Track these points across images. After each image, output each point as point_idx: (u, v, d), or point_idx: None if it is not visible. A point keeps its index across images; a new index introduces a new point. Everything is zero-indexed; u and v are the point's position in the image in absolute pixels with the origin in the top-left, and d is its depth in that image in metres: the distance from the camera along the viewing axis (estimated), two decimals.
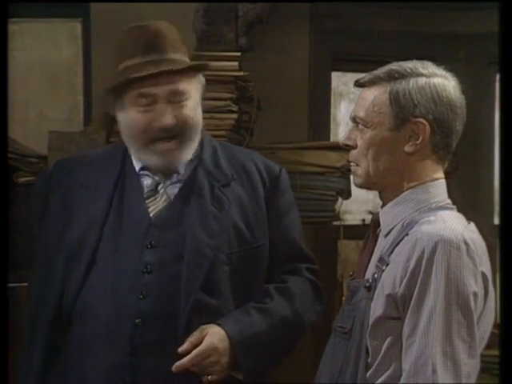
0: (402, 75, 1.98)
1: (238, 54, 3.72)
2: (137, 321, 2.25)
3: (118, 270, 2.29)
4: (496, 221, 4.97)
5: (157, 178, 2.37)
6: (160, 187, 2.37)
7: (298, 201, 3.73)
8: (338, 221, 3.92)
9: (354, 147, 2.03)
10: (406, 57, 2.05)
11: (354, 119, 2.03)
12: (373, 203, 4.73)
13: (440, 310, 1.85)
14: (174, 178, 2.38)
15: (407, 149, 1.98)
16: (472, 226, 1.97)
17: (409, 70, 1.98)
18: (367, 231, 2.12)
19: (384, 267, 1.95)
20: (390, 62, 2.04)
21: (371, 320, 1.93)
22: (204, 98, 3.51)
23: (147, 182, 2.38)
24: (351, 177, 2.09)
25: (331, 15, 4.87)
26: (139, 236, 2.32)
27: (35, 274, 2.40)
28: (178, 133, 2.32)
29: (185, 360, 2.22)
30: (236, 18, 4.01)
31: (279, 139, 4.01)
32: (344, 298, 2.11)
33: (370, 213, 3.85)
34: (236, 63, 3.62)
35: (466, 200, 4.59)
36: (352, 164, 2.07)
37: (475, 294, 1.88)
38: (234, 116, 3.56)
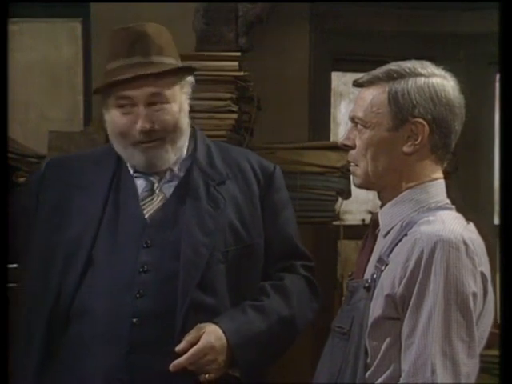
0: (401, 75, 1.98)
1: (238, 54, 3.72)
2: (134, 320, 2.25)
3: (115, 270, 2.30)
4: (496, 221, 4.97)
5: (151, 178, 2.38)
6: (156, 187, 2.38)
7: (298, 201, 3.75)
8: (338, 221, 3.92)
9: (353, 147, 2.03)
10: (406, 57, 2.05)
11: (353, 119, 2.03)
12: (373, 203, 4.73)
13: (439, 310, 1.85)
14: (168, 177, 2.39)
15: (406, 149, 1.98)
16: (471, 226, 1.97)
17: (407, 70, 1.98)
18: (366, 231, 2.12)
19: (383, 267, 1.95)
20: (389, 62, 2.03)
21: (370, 320, 1.93)
22: (204, 98, 3.53)
23: (142, 182, 2.38)
24: (351, 177, 2.09)
25: (331, 15, 4.87)
26: (135, 236, 2.32)
27: (30, 274, 2.39)
28: (159, 136, 2.32)
29: (182, 359, 2.22)
30: (236, 18, 4.01)
31: (279, 139, 4.01)
32: (344, 299, 2.11)
33: (370, 213, 3.85)
34: (236, 63, 3.62)
35: (465, 200, 4.59)
36: (351, 164, 2.07)
37: (474, 295, 1.88)
38: (234, 116, 3.56)
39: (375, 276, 1.96)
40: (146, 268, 2.29)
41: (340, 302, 2.12)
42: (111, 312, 2.26)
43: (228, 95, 3.55)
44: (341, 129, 5.04)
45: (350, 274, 2.13)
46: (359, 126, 2.01)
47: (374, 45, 4.84)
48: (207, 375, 2.26)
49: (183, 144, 2.40)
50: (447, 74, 2.01)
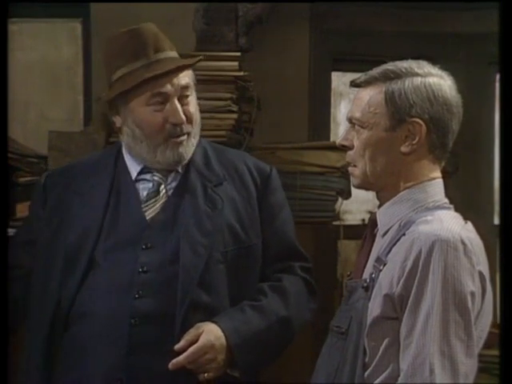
0: (398, 75, 1.98)
1: (238, 54, 3.72)
2: (133, 321, 2.25)
3: (114, 271, 2.30)
4: (496, 221, 4.98)
5: (156, 178, 2.38)
6: (162, 188, 2.38)
7: (298, 201, 3.75)
8: (338, 221, 3.92)
9: (351, 148, 2.03)
10: (406, 57, 2.04)
11: (351, 120, 2.03)
12: (373, 203, 4.73)
13: (437, 309, 1.85)
14: (173, 177, 2.40)
15: (404, 149, 1.98)
16: (469, 225, 1.97)
17: (404, 70, 1.98)
18: (365, 231, 2.12)
19: (381, 267, 1.95)
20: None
21: (369, 320, 1.93)
22: (204, 98, 3.52)
23: (147, 183, 2.39)
24: (351, 177, 2.09)
25: (331, 15, 4.87)
26: (135, 237, 2.33)
27: (34, 276, 2.40)
28: (187, 130, 2.36)
29: (181, 357, 2.22)
30: (236, 18, 4.01)
31: (279, 139, 4.01)
32: (342, 298, 2.11)
33: (370, 213, 3.85)
34: (236, 63, 3.62)
35: (465, 200, 4.59)
36: (350, 165, 2.07)
37: (472, 294, 1.88)
38: (234, 116, 3.55)
39: (373, 276, 1.96)
40: (145, 269, 2.30)
41: (340, 301, 2.11)
42: (111, 313, 2.26)
43: (228, 95, 3.55)
44: (341, 129, 5.05)
45: (348, 273, 2.13)
46: (357, 126, 2.01)
47: (374, 45, 4.84)
48: (206, 374, 2.26)
49: (197, 139, 2.42)
50: (444, 74, 2.01)
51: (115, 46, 2.37)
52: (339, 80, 5.11)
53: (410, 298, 1.88)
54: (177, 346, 2.23)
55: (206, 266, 2.30)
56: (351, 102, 2.07)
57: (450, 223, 1.91)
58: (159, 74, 2.30)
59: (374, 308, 1.93)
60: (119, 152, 2.45)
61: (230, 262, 2.35)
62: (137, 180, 2.41)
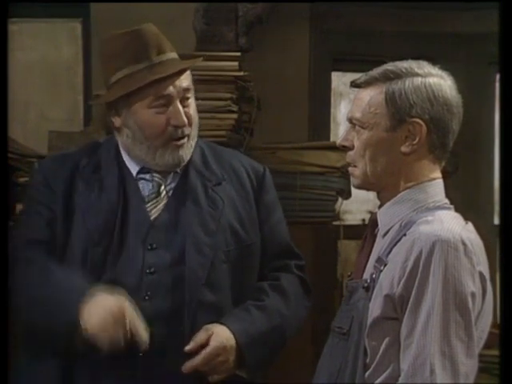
0: (398, 75, 1.97)
1: (238, 54, 3.72)
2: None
3: (122, 273, 2.30)
4: (496, 221, 4.98)
5: (156, 178, 2.38)
6: (162, 189, 2.38)
7: (298, 201, 3.75)
8: (338, 221, 3.93)
9: (351, 148, 2.03)
10: (406, 57, 2.04)
11: (351, 120, 2.03)
12: (373, 203, 4.73)
13: (438, 310, 1.85)
14: (172, 178, 2.40)
15: (404, 149, 1.98)
16: (470, 225, 1.97)
17: (404, 70, 1.98)
18: (365, 231, 2.12)
19: (382, 267, 1.95)
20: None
21: (369, 320, 1.93)
22: (204, 98, 3.53)
23: (147, 184, 2.39)
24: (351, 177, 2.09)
25: (331, 15, 4.88)
26: (140, 237, 2.33)
27: None
28: (187, 132, 2.36)
29: (196, 360, 2.23)
30: (236, 18, 4.02)
31: (279, 139, 4.01)
32: (343, 299, 2.11)
33: (370, 213, 3.85)
34: (236, 63, 3.62)
35: (466, 200, 4.59)
36: (350, 165, 2.07)
37: (473, 294, 1.87)
38: (234, 116, 3.56)
39: (374, 276, 1.96)
40: (152, 270, 2.30)
41: (340, 302, 2.11)
42: None
43: (228, 95, 3.55)
44: (341, 129, 5.05)
45: (349, 274, 2.13)
46: (357, 126, 2.01)
47: (374, 45, 4.85)
48: (216, 376, 2.26)
49: (195, 140, 2.43)
50: (444, 74, 2.01)
51: (115, 46, 2.35)
52: (339, 80, 5.12)
53: (411, 299, 1.87)
54: (187, 348, 2.23)
55: (211, 265, 2.31)
56: (351, 102, 2.07)
57: (450, 223, 1.91)
58: (162, 77, 2.29)
59: (375, 308, 1.93)
60: (117, 149, 2.44)
61: (232, 261, 2.36)
62: (139, 179, 2.40)
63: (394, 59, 2.03)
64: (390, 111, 1.96)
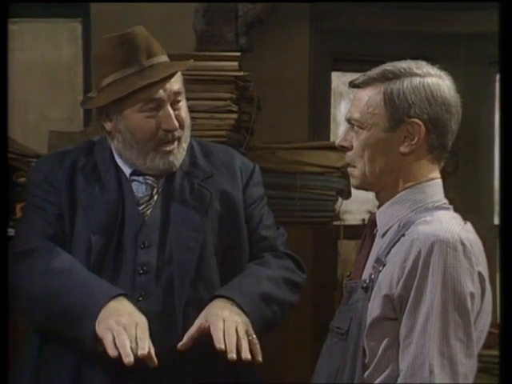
0: (396, 75, 1.97)
1: (238, 54, 3.72)
2: None
3: (117, 273, 2.31)
4: (496, 221, 4.98)
5: (149, 181, 2.39)
6: (155, 191, 2.39)
7: (298, 201, 3.75)
8: (338, 221, 3.92)
9: (350, 149, 2.03)
10: (406, 57, 2.04)
11: (349, 121, 2.03)
12: (373, 203, 4.73)
13: (437, 310, 1.85)
14: (163, 180, 2.41)
15: (403, 149, 1.98)
16: (468, 225, 1.97)
17: (403, 70, 1.97)
18: (364, 232, 2.12)
19: (381, 268, 1.95)
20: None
21: (368, 321, 1.93)
22: (204, 98, 3.52)
23: (140, 185, 2.39)
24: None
25: (331, 15, 4.88)
26: (134, 237, 2.34)
27: None
28: (178, 135, 2.36)
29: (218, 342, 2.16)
30: (236, 18, 4.02)
31: (279, 139, 4.01)
32: (342, 299, 2.11)
33: (370, 213, 3.86)
34: (236, 63, 3.62)
35: (466, 200, 4.58)
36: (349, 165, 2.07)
37: (472, 295, 1.87)
38: (234, 116, 3.56)
39: (373, 276, 1.96)
40: (145, 269, 2.31)
41: (340, 302, 2.11)
42: None
43: (228, 95, 3.55)
44: (341, 129, 5.04)
45: (348, 274, 2.13)
46: (356, 127, 2.01)
47: (374, 45, 4.84)
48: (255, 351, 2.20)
49: (187, 143, 2.43)
50: (443, 74, 2.01)
51: (105, 50, 2.35)
52: (339, 80, 5.11)
53: (410, 299, 1.88)
54: (180, 344, 2.22)
55: (201, 258, 2.32)
56: (351, 102, 2.07)
57: (449, 224, 1.91)
58: (153, 82, 2.29)
59: (374, 309, 1.93)
60: (111, 151, 2.43)
61: (222, 253, 2.37)
62: (132, 180, 2.41)
63: (393, 59, 2.03)
64: (389, 111, 1.96)
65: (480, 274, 1.90)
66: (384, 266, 1.94)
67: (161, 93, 2.31)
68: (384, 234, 2.01)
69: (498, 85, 4.69)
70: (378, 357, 1.92)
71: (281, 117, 4.61)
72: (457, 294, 1.86)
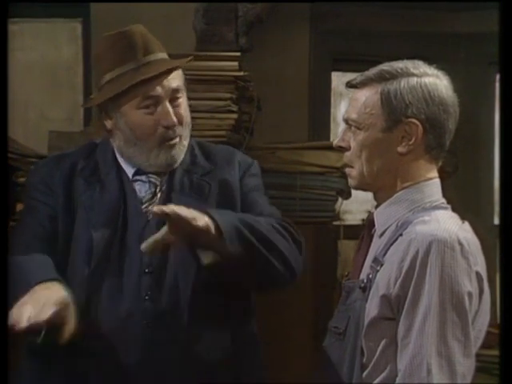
0: (393, 75, 1.97)
1: (238, 54, 3.73)
2: (145, 322, 2.26)
3: (123, 273, 2.31)
4: (496, 221, 4.98)
5: (152, 179, 2.39)
6: (158, 189, 2.39)
7: (298, 201, 3.75)
8: (338, 221, 3.93)
9: (348, 149, 2.03)
10: (406, 57, 2.04)
11: (347, 121, 2.03)
12: (372, 203, 4.72)
13: (434, 310, 1.85)
14: (165, 179, 2.41)
15: (400, 149, 1.98)
16: (466, 225, 1.97)
17: (400, 70, 1.97)
18: (362, 232, 2.12)
19: (378, 268, 1.95)
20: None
21: (366, 321, 1.93)
22: (204, 98, 3.53)
23: (143, 186, 2.39)
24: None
25: (331, 15, 4.88)
26: (138, 237, 2.33)
27: None
28: (179, 133, 2.36)
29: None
30: (236, 18, 4.02)
31: (279, 139, 4.02)
32: (340, 299, 2.11)
33: (370, 213, 3.86)
34: (236, 63, 3.63)
35: (465, 200, 4.58)
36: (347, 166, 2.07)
37: (470, 294, 1.87)
38: (234, 116, 3.56)
39: (371, 276, 1.96)
40: (150, 269, 2.31)
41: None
42: (123, 315, 2.27)
43: (228, 95, 3.56)
44: (341, 129, 5.05)
45: (346, 274, 2.13)
46: (353, 127, 2.00)
47: (374, 45, 4.85)
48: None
49: (188, 141, 2.43)
50: (440, 73, 2.00)
51: (104, 48, 2.36)
52: (339, 80, 5.12)
53: (408, 299, 1.88)
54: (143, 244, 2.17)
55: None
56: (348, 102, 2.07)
57: (447, 223, 1.91)
58: (149, 78, 2.29)
59: (372, 308, 1.93)
60: (113, 151, 2.44)
61: None
62: (135, 180, 2.41)
63: (393, 59, 2.03)
64: (386, 111, 1.96)
65: (478, 274, 1.90)
66: (382, 265, 1.94)
67: (158, 89, 2.31)
68: (382, 234, 2.01)
69: (497, 85, 4.69)
70: (376, 357, 1.92)
71: (281, 117, 4.62)
72: (454, 294, 1.85)
